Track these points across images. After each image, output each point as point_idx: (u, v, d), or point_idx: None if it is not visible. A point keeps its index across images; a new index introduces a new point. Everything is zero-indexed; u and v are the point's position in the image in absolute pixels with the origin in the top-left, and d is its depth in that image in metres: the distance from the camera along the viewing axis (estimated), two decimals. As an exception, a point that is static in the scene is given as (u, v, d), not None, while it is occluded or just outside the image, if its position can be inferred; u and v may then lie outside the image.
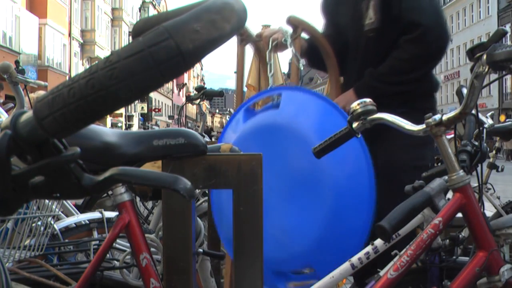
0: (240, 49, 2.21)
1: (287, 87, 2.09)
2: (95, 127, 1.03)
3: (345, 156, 1.64)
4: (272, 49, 2.01)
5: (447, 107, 41.04)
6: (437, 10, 1.95)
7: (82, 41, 29.77)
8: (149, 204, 4.84)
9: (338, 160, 1.61)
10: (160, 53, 0.54)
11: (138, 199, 3.34)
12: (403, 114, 1.87)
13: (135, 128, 30.73)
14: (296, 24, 2.05)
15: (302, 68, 2.06)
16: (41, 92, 4.05)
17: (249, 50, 2.28)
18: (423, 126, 1.25)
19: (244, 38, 2.14)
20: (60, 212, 1.85)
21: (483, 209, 1.28)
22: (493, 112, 5.70)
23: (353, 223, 1.65)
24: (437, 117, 1.22)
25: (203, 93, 3.69)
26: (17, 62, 3.16)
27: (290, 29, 2.05)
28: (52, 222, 1.67)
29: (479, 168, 1.41)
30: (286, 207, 1.70)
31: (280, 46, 2.04)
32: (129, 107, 32.39)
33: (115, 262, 1.31)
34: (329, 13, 2.24)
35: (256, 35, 2.13)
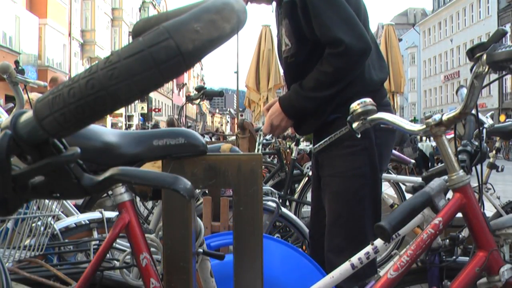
0: None
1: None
2: (95, 127, 1.03)
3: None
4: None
5: (447, 107, 41.07)
6: (351, 22, 1.76)
7: (82, 41, 29.76)
8: (149, 204, 4.84)
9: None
10: (160, 53, 0.54)
11: (138, 199, 3.34)
12: (338, 119, 1.86)
13: (135, 128, 30.73)
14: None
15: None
16: (36, 94, 4.04)
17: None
18: (423, 126, 1.25)
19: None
20: (60, 212, 1.84)
21: (483, 209, 1.28)
22: (493, 112, 5.70)
23: None
24: (437, 117, 1.22)
25: (203, 93, 3.68)
26: (17, 62, 3.16)
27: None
28: (52, 222, 1.66)
29: (479, 168, 1.41)
30: None
31: None
32: (129, 107, 32.41)
33: (115, 262, 1.31)
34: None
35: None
